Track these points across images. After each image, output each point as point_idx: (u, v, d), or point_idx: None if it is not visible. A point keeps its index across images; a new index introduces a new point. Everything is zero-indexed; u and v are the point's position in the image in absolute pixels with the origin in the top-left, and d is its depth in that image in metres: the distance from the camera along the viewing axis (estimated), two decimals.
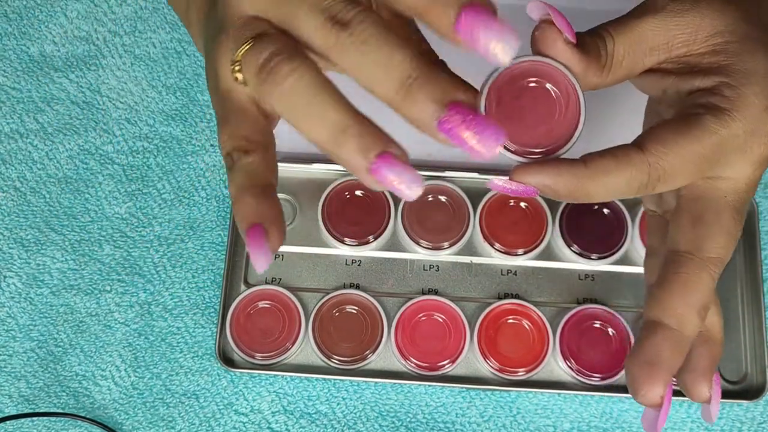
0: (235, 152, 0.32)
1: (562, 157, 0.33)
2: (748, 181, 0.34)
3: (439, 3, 0.29)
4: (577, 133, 0.33)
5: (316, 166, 0.52)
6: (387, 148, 0.29)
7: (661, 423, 0.34)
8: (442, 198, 0.51)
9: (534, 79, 0.32)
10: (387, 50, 0.28)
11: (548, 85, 0.32)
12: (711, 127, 0.32)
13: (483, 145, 0.28)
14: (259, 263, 0.31)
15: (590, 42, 0.33)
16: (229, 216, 0.52)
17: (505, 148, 0.32)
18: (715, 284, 0.34)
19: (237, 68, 0.31)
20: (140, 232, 0.53)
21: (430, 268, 0.51)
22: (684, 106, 0.34)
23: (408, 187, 0.29)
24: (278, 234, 0.31)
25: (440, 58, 0.33)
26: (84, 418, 0.49)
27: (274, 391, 0.50)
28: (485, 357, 0.49)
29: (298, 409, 0.50)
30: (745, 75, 0.33)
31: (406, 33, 0.33)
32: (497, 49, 0.28)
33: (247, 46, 0.31)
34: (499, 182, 0.33)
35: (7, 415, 0.49)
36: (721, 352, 0.37)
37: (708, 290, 0.34)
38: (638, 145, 0.33)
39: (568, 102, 0.32)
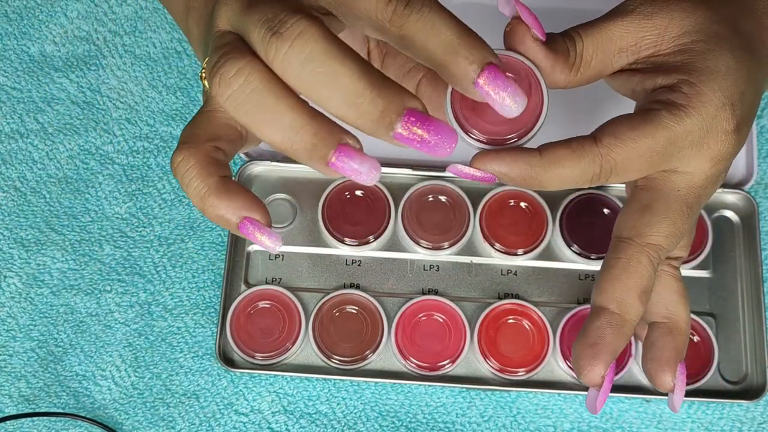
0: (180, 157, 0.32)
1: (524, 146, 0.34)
2: (706, 177, 0.35)
3: (461, 58, 0.30)
4: (538, 125, 0.34)
5: None
6: (342, 140, 0.29)
7: (601, 402, 0.35)
8: (442, 198, 0.51)
9: None
10: (330, 68, 0.28)
11: (512, 77, 0.33)
12: (665, 123, 0.33)
13: (438, 146, 0.29)
14: (272, 244, 0.32)
15: (560, 41, 0.34)
16: None
17: (471, 136, 0.34)
18: (655, 270, 0.35)
19: (203, 75, 0.32)
20: (140, 232, 0.53)
21: (430, 268, 0.51)
22: (644, 102, 0.35)
23: (367, 175, 0.29)
24: (262, 212, 0.32)
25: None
26: (84, 418, 0.49)
27: (275, 391, 0.50)
28: (485, 357, 0.49)
29: (298, 409, 0.50)
30: (705, 73, 0.33)
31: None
32: (512, 106, 0.31)
33: (210, 55, 0.31)
34: (460, 168, 0.34)
35: (7, 414, 0.49)
36: (686, 343, 0.38)
37: (647, 274, 0.34)
38: (594, 137, 0.34)
39: (531, 94, 0.33)
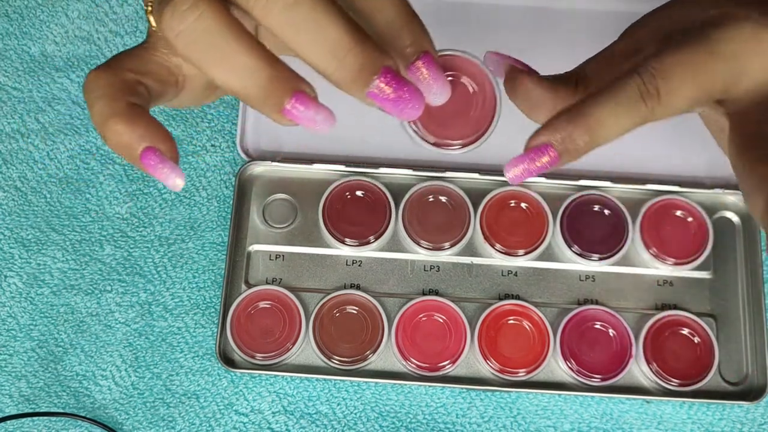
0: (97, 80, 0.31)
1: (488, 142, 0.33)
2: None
3: (401, 41, 0.29)
4: (493, 125, 0.33)
5: (316, 166, 0.52)
6: (298, 88, 0.28)
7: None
8: (443, 198, 0.51)
9: (451, 72, 0.33)
10: (317, 17, 0.27)
11: (465, 79, 0.33)
12: (707, 32, 0.31)
13: (405, 109, 0.29)
14: (173, 181, 0.30)
15: (566, 77, 0.34)
16: (230, 216, 0.52)
17: (424, 140, 0.33)
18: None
19: (149, 9, 0.30)
20: (141, 232, 0.53)
21: (430, 268, 0.51)
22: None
23: (323, 124, 0.29)
24: (168, 144, 0.30)
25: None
26: (84, 417, 0.49)
27: (275, 392, 0.50)
28: (486, 358, 0.49)
29: (299, 409, 0.50)
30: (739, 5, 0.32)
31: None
32: (437, 96, 0.31)
33: None
34: (516, 168, 0.32)
35: (7, 414, 0.49)
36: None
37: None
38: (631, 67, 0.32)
39: (485, 95, 0.33)
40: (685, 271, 0.50)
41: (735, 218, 0.52)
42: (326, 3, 0.28)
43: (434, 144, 0.33)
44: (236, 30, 0.28)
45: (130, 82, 0.31)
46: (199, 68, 0.29)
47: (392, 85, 0.28)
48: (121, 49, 0.56)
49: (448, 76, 0.33)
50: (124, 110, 0.30)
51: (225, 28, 0.28)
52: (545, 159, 0.31)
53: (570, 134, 0.31)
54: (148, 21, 0.31)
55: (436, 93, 0.31)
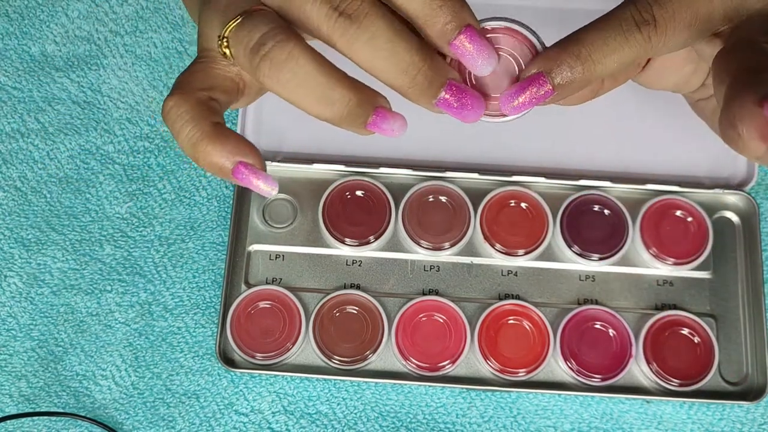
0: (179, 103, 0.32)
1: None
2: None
3: (440, 19, 0.31)
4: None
5: (316, 166, 0.52)
6: (379, 103, 0.32)
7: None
8: (443, 198, 0.51)
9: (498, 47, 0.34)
10: (392, 45, 0.30)
11: (505, 54, 0.34)
12: None
13: (468, 114, 0.32)
14: (268, 188, 0.32)
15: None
16: (230, 216, 0.52)
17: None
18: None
19: (225, 44, 0.32)
20: (141, 232, 0.53)
21: (430, 268, 0.51)
22: None
23: (399, 131, 0.33)
24: (256, 156, 0.32)
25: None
26: (84, 417, 0.49)
27: (275, 392, 0.50)
28: (486, 357, 0.49)
29: (299, 409, 0.50)
30: None
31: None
32: (483, 66, 0.32)
33: (236, 22, 0.31)
34: (509, 96, 0.32)
35: (7, 414, 0.49)
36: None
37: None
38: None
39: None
40: (685, 271, 0.50)
41: (735, 218, 0.52)
42: (398, 28, 0.31)
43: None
44: (328, 68, 0.31)
45: (205, 101, 0.32)
46: (297, 105, 0.31)
47: (456, 95, 0.32)
48: (121, 49, 0.56)
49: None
50: (210, 132, 0.32)
51: (321, 70, 0.31)
52: (540, 91, 0.32)
53: (562, 63, 0.31)
54: (224, 54, 0.32)
55: (482, 64, 0.32)
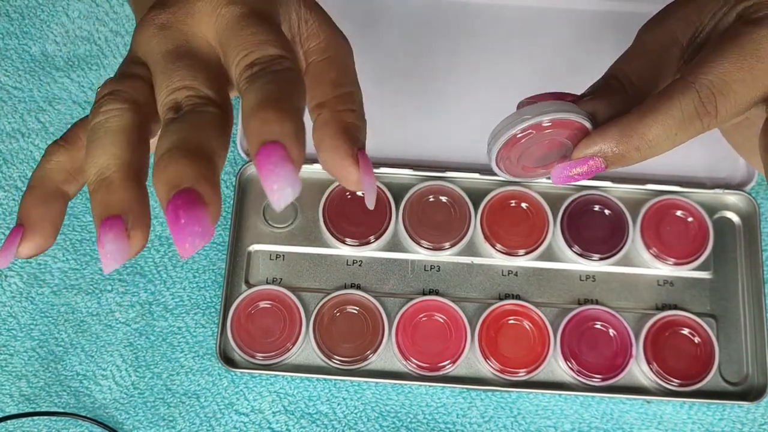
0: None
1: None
2: None
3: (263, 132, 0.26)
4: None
5: (317, 166, 0.52)
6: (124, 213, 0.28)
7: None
8: (443, 198, 0.51)
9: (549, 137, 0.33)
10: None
11: (564, 140, 0.33)
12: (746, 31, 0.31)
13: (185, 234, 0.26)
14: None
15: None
16: (230, 216, 0.52)
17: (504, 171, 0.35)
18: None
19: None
20: None
21: (431, 268, 0.51)
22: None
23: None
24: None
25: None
26: (85, 417, 0.49)
27: (275, 391, 0.50)
28: (486, 357, 0.49)
29: (299, 409, 0.50)
30: None
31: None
32: (277, 194, 0.26)
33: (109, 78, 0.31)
34: (561, 170, 0.32)
35: (7, 414, 0.49)
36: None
37: None
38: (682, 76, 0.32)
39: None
40: (686, 271, 0.50)
41: (735, 218, 0.52)
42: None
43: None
44: (128, 135, 0.29)
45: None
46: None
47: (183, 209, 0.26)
48: (122, 49, 0.56)
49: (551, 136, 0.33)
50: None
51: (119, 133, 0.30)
52: (593, 169, 0.32)
53: (621, 149, 0.31)
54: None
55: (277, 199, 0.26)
